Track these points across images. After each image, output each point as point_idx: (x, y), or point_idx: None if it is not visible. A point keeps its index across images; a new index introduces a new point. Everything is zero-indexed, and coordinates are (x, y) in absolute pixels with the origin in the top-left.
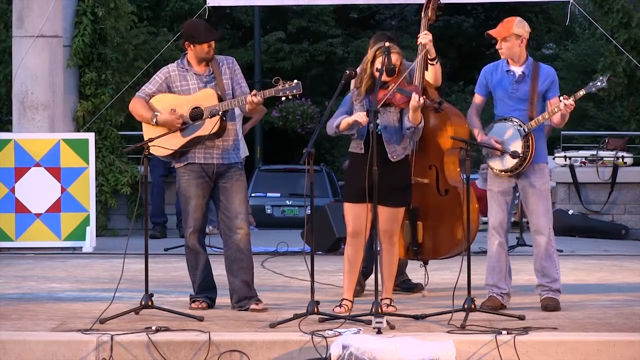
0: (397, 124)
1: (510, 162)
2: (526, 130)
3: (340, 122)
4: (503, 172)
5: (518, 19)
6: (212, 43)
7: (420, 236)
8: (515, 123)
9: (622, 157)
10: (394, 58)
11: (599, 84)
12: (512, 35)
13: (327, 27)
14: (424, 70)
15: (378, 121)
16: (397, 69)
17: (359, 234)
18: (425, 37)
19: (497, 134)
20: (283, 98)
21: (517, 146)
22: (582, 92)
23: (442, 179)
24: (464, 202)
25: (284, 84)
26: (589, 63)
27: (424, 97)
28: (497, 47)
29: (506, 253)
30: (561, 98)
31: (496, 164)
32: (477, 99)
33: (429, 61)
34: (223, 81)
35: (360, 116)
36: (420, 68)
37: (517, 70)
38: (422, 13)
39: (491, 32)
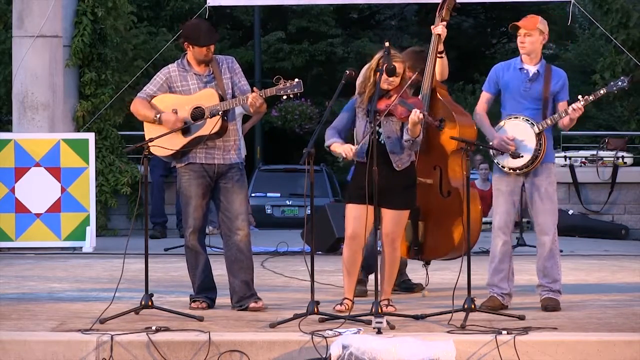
0: (400, 134)
1: (520, 160)
2: (539, 128)
3: (331, 144)
4: (512, 170)
5: (540, 17)
6: (212, 46)
7: (421, 236)
8: (527, 121)
9: (622, 157)
10: (397, 66)
11: (620, 83)
12: (536, 30)
13: (327, 27)
14: (434, 68)
15: (381, 130)
16: (397, 71)
17: (357, 235)
18: (442, 30)
19: (509, 132)
20: (284, 97)
21: (530, 145)
22: (602, 91)
23: (446, 181)
24: (464, 202)
25: (284, 82)
26: (588, 63)
27: (426, 112)
28: (519, 41)
29: (510, 253)
30: (579, 97)
31: (506, 162)
32: (485, 96)
33: (437, 54)
34: (223, 81)
35: (346, 150)
36: (432, 63)
37: (532, 68)
38: (437, 12)
39: (518, 23)
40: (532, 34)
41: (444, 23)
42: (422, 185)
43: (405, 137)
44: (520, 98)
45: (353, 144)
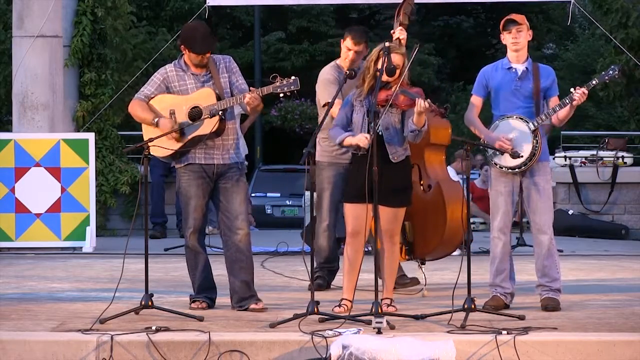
0: (398, 125)
1: (518, 159)
2: (534, 125)
3: (343, 139)
4: (510, 170)
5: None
6: (207, 53)
7: (409, 235)
8: (522, 119)
9: (622, 157)
10: (397, 59)
11: (610, 72)
12: (525, 25)
13: (327, 27)
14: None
15: (379, 122)
16: (397, 70)
17: (358, 233)
18: (401, 33)
19: (504, 132)
20: (282, 95)
21: (527, 143)
22: (594, 82)
23: (425, 176)
24: (464, 202)
25: (281, 80)
26: (588, 63)
27: (429, 100)
28: (511, 37)
29: (510, 253)
30: (572, 90)
31: (503, 162)
32: (476, 100)
33: None
34: (220, 80)
35: (362, 140)
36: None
37: (520, 67)
38: (395, 18)
39: (513, 16)
40: (522, 29)
41: (402, 29)
42: None
43: (411, 127)
44: (512, 97)
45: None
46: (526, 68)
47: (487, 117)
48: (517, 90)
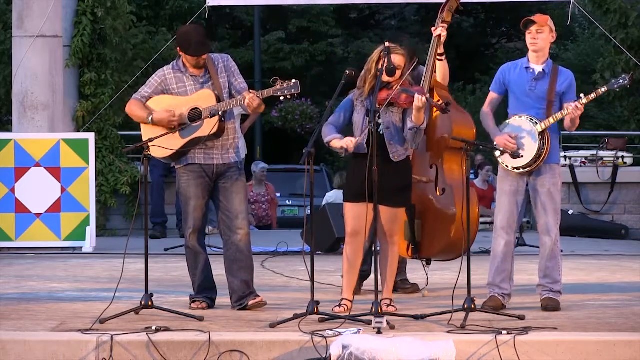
0: (399, 124)
1: (522, 159)
2: (542, 127)
3: (330, 140)
4: (515, 169)
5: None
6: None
7: (418, 234)
8: (531, 120)
9: (622, 157)
10: (398, 59)
11: (621, 81)
12: (547, 27)
13: (327, 27)
14: (433, 70)
15: (380, 121)
16: (397, 70)
17: (358, 233)
18: (442, 32)
19: (511, 131)
20: (282, 98)
21: (533, 143)
22: (603, 89)
23: (441, 179)
24: (464, 202)
25: (282, 83)
26: (588, 63)
27: (428, 96)
28: (530, 37)
29: (512, 254)
30: (582, 95)
31: (508, 161)
32: (492, 96)
33: (437, 56)
34: (219, 80)
35: (347, 143)
36: (432, 64)
37: (537, 67)
38: (438, 14)
39: (533, 17)
40: (543, 31)
41: (445, 25)
42: (417, 183)
43: (410, 125)
44: (525, 97)
45: (351, 136)
46: (543, 70)
47: (504, 116)
48: (532, 91)
